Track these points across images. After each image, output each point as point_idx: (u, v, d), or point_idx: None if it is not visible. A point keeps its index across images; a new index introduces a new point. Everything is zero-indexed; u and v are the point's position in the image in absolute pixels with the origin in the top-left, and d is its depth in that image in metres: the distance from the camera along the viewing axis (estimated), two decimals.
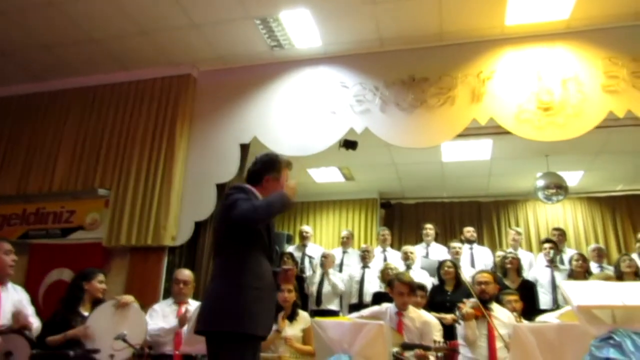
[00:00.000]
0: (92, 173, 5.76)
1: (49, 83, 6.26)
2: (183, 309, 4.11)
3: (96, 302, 3.87)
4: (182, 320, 3.92)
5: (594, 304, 2.31)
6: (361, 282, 6.10)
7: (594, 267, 5.84)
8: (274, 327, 3.93)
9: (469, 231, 6.71)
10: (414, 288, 4.10)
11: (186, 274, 4.25)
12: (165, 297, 4.84)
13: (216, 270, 2.59)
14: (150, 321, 3.97)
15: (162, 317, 4.07)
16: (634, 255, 6.04)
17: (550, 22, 4.88)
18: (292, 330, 4.06)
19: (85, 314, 3.76)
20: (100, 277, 3.96)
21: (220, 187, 5.52)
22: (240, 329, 2.38)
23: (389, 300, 4.24)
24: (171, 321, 4.02)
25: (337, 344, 2.91)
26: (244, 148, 5.64)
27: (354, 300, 6.10)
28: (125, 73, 6.03)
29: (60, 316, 3.71)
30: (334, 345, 2.91)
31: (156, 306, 4.22)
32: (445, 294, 5.23)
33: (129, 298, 3.82)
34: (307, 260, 6.62)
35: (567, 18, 4.80)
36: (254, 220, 2.51)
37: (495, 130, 5.29)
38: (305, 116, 5.49)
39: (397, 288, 4.03)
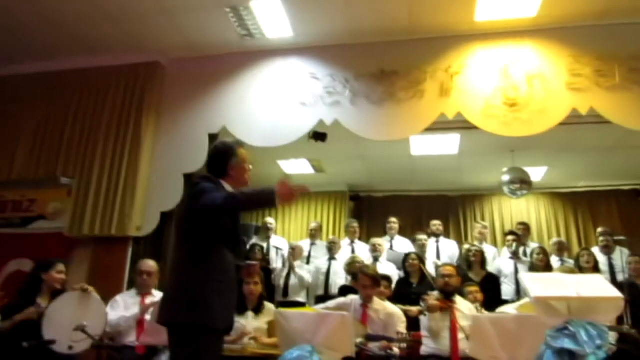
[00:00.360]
0: (54, 161, 5.60)
1: (9, 67, 6.04)
2: (147, 300, 4.05)
3: (55, 294, 3.78)
4: (144, 308, 3.86)
5: (551, 295, 2.37)
6: (327, 274, 6.11)
7: (554, 260, 5.98)
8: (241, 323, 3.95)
9: (435, 225, 6.79)
10: (378, 281, 4.13)
11: (150, 264, 4.18)
12: (130, 288, 4.75)
13: (178, 261, 2.54)
14: (112, 312, 3.90)
15: (123, 308, 4.00)
16: (595, 249, 6.24)
17: (519, 19, 4.95)
18: (258, 323, 4.04)
19: (44, 305, 3.67)
20: (59, 267, 3.87)
21: (188, 177, 5.44)
22: (200, 322, 2.35)
23: (356, 292, 4.26)
24: (133, 312, 3.96)
25: (301, 335, 2.91)
26: (213, 138, 5.55)
27: (320, 292, 6.11)
28: (91, 58, 5.86)
29: (17, 307, 3.61)
30: (297, 336, 2.91)
31: (118, 297, 4.14)
32: (411, 286, 5.29)
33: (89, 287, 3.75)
34: (273, 251, 6.59)
35: (535, 16, 4.87)
36: (220, 208, 2.43)
37: (462, 125, 5.38)
38: (275, 107, 5.45)
39: (361, 280, 4.08)
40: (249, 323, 4.02)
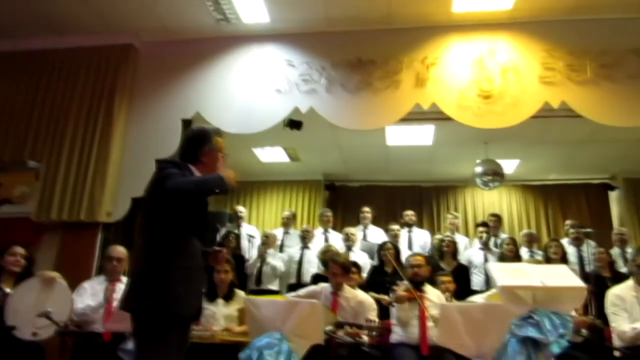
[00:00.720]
0: (22, 144, 5.44)
1: None
2: (116, 287, 3.98)
3: (21, 279, 3.70)
4: (109, 296, 3.81)
5: (517, 285, 2.41)
6: (300, 263, 6.11)
7: (524, 252, 6.08)
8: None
9: (408, 215, 6.83)
10: (348, 268, 4.12)
11: (120, 250, 4.11)
12: (100, 275, 4.68)
13: (142, 247, 2.48)
14: (78, 299, 3.83)
15: (90, 295, 3.92)
16: (564, 241, 6.37)
17: (494, 11, 4.99)
18: (228, 310, 4.02)
19: (8, 290, 3.58)
20: (13, 249, 3.79)
21: (161, 163, 5.35)
22: (164, 308, 2.31)
23: (328, 281, 4.26)
24: (100, 299, 3.89)
25: (270, 322, 2.91)
26: (186, 123, 5.49)
27: (293, 280, 6.11)
28: (61, 39, 5.70)
29: None
30: (267, 324, 2.91)
31: (85, 284, 4.06)
32: (385, 275, 5.31)
33: (54, 273, 3.66)
34: (244, 239, 6.54)
35: (510, 9, 4.92)
36: (188, 193, 2.41)
37: (437, 116, 5.40)
38: (250, 93, 5.41)
39: (331, 268, 4.09)
40: (219, 310, 4.01)
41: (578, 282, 2.48)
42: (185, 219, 2.47)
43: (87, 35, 5.65)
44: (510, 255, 5.54)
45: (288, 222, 6.96)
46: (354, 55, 5.28)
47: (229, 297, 4.09)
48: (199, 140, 2.69)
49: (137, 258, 2.52)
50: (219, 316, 3.99)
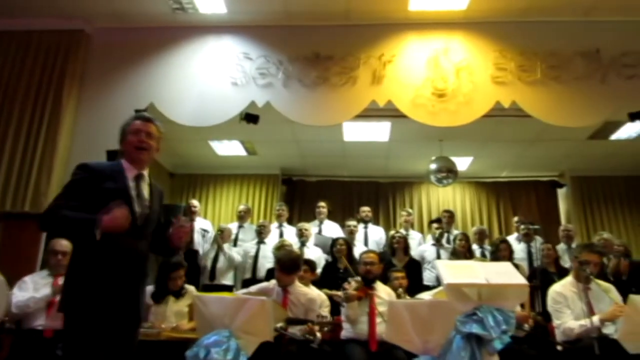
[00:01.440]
0: None
1: None
2: (60, 282, 3.84)
3: None
4: (56, 289, 3.67)
5: (462, 282, 2.45)
6: (255, 257, 6.08)
7: (475, 247, 6.23)
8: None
9: (364, 211, 6.88)
10: (294, 268, 4.07)
11: (64, 243, 3.94)
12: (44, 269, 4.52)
13: (73, 246, 2.44)
14: (19, 293, 3.68)
15: (32, 289, 3.76)
16: (512, 237, 6.56)
17: (449, 11, 5.07)
18: (178, 307, 3.97)
19: None
20: None
21: (112, 154, 5.21)
22: (80, 309, 2.25)
23: None
24: (44, 293, 3.75)
25: (219, 319, 2.87)
26: None
27: (248, 275, 6.08)
28: (8, 21, 5.46)
29: None
30: (215, 321, 2.87)
31: (27, 278, 3.89)
32: (337, 271, 5.34)
33: None
34: (198, 234, 6.45)
35: (465, 9, 5.01)
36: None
37: (393, 113, 5.44)
38: (206, 85, 5.34)
39: (277, 273, 4.04)
40: (169, 307, 3.95)
41: (521, 280, 2.55)
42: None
43: (37, 19, 5.45)
44: (463, 250, 5.65)
45: (243, 216, 6.90)
46: (312, 50, 5.28)
47: (179, 294, 4.04)
48: (119, 135, 2.61)
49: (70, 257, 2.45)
50: (169, 313, 3.93)
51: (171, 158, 8.51)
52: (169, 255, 2.58)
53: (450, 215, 7.00)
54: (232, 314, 2.85)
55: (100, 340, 2.25)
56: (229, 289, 5.83)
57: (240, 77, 5.29)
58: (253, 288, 4.18)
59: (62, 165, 5.13)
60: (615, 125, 6.46)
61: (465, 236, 5.91)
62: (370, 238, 6.62)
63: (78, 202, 2.32)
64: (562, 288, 3.85)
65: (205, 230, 6.30)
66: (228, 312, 2.86)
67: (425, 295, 3.93)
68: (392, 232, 6.13)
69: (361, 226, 6.66)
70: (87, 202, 2.32)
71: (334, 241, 5.52)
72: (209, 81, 5.33)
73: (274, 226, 6.73)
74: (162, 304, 3.96)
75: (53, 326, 3.45)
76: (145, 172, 2.61)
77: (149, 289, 4.07)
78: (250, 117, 5.55)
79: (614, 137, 6.88)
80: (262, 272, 5.94)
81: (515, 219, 7.21)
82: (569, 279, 3.90)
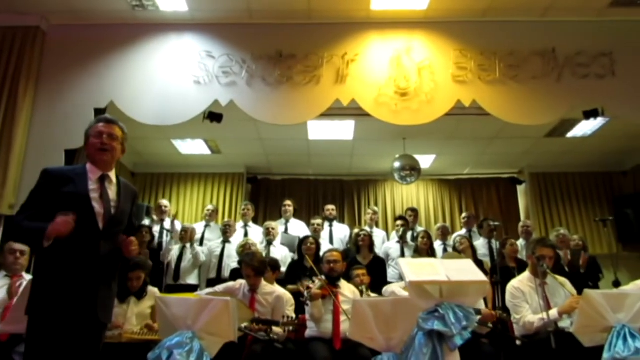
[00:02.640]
0: None
1: None
2: (17, 283, 3.74)
3: None
4: (12, 292, 3.57)
5: (424, 280, 2.48)
6: (221, 257, 6.04)
7: (438, 244, 6.34)
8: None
9: (329, 209, 6.91)
10: (261, 270, 4.07)
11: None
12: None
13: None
14: None
15: None
16: (463, 232, 6.72)
17: (411, 10, 5.13)
18: (140, 308, 3.92)
19: None
20: None
21: (70, 154, 5.10)
22: (34, 313, 2.30)
23: None
24: (0, 295, 3.64)
25: (181, 321, 2.84)
26: (99, 113, 5.21)
27: (213, 275, 6.03)
28: None
29: None
30: (178, 322, 2.84)
31: None
32: (304, 270, 5.33)
33: None
34: (165, 234, 6.36)
35: (426, 8, 5.07)
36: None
37: (357, 112, 5.47)
38: (168, 84, 5.25)
39: (244, 270, 4.03)
40: (131, 309, 3.89)
41: (481, 276, 2.60)
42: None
43: None
44: (425, 248, 5.73)
45: (211, 216, 6.86)
46: (275, 49, 5.26)
47: (140, 295, 3.98)
48: (84, 140, 2.65)
49: None
50: (130, 314, 3.88)
51: (132, 157, 8.35)
52: (122, 260, 2.58)
53: (414, 213, 7.10)
54: (195, 315, 2.82)
55: (60, 342, 2.25)
56: (193, 288, 5.77)
57: (203, 76, 5.22)
58: (219, 287, 4.16)
59: (17, 165, 4.97)
60: (571, 123, 6.67)
61: (427, 234, 5.98)
62: (335, 236, 6.66)
63: (37, 209, 2.40)
64: (520, 283, 3.95)
65: (169, 231, 6.21)
66: (191, 313, 2.83)
67: (395, 287, 3.98)
68: (356, 230, 6.17)
69: (326, 224, 6.69)
70: (47, 209, 2.37)
71: (304, 240, 5.51)
72: (171, 79, 5.24)
73: (239, 225, 6.70)
74: (124, 304, 3.90)
75: (9, 330, 3.34)
76: (112, 173, 2.63)
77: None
78: (213, 115, 5.50)
79: (570, 134, 7.11)
80: (227, 272, 5.91)
81: (464, 215, 7.39)
82: (526, 275, 4.01)
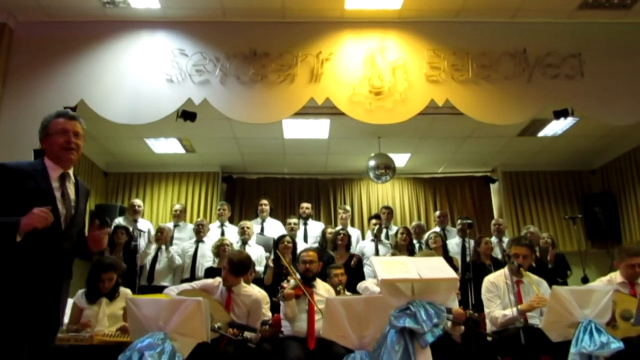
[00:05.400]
0: None
1: None
2: None
3: None
4: None
5: (396, 278, 2.50)
6: (194, 257, 5.99)
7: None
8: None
9: (304, 208, 6.92)
10: (245, 270, 4.03)
11: None
12: None
13: None
14: None
15: None
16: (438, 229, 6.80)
17: (385, 10, 5.15)
18: (112, 310, 3.86)
19: None
20: None
21: (39, 153, 4.96)
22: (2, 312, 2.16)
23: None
24: None
25: (153, 322, 2.80)
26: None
27: (187, 275, 5.98)
28: None
29: None
30: (149, 324, 2.80)
31: None
32: (281, 269, 5.32)
33: None
34: (139, 235, 6.27)
35: (400, 8, 5.10)
36: None
37: (332, 111, 5.49)
38: (140, 82, 5.18)
39: (225, 273, 3.98)
40: (103, 310, 3.84)
41: (452, 274, 2.64)
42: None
43: None
44: (405, 244, 5.81)
45: (179, 216, 6.80)
46: (249, 48, 5.24)
47: (112, 296, 3.92)
48: (40, 132, 2.51)
49: None
50: (102, 316, 3.83)
51: (105, 157, 8.21)
52: (86, 258, 2.49)
53: (389, 212, 7.14)
54: (167, 316, 2.79)
55: (19, 341, 2.17)
56: None
57: (176, 74, 5.17)
58: (197, 284, 4.10)
59: None
60: (543, 123, 6.79)
61: (407, 230, 6.05)
62: (310, 234, 6.66)
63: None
64: (496, 278, 4.04)
65: (141, 231, 6.13)
66: (163, 314, 2.80)
67: (368, 282, 4.00)
68: (330, 229, 6.17)
69: (301, 223, 6.69)
70: (8, 204, 2.24)
71: (280, 239, 5.48)
72: (143, 78, 5.17)
73: (215, 225, 6.66)
74: (95, 306, 3.84)
75: None
76: (71, 171, 2.54)
77: (80, 292, 3.95)
78: (187, 114, 5.44)
79: (542, 134, 7.24)
80: (201, 272, 5.87)
81: (437, 213, 7.48)
82: (504, 271, 4.09)
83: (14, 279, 2.21)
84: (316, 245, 6.42)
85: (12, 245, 2.17)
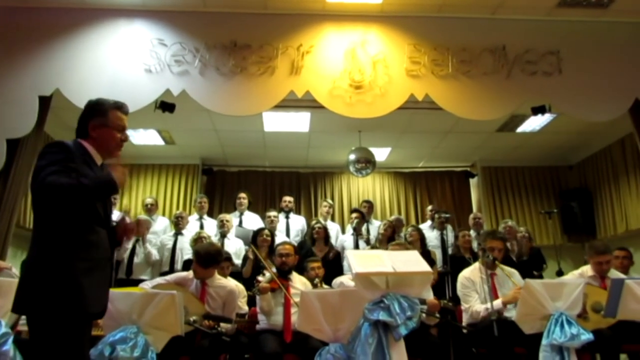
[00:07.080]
0: None
1: None
2: None
3: None
4: None
5: (370, 271, 2.51)
6: (173, 250, 5.95)
7: None
8: None
9: (286, 201, 6.90)
10: (213, 262, 3.99)
11: None
12: None
13: (34, 238, 2.17)
14: None
15: None
16: (426, 225, 6.85)
17: (366, 3, 5.15)
18: None
19: None
20: None
21: (13, 143, 4.89)
22: (68, 307, 2.05)
23: None
24: None
25: (126, 316, 2.79)
26: (44, 101, 5.04)
27: (166, 268, 5.94)
28: None
29: None
30: (122, 317, 2.78)
31: None
32: (259, 261, 5.30)
33: None
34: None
35: (381, 2, 5.10)
36: (63, 196, 2.12)
37: (312, 104, 5.47)
38: (118, 72, 5.09)
39: (194, 265, 3.95)
40: None
41: (426, 267, 2.66)
42: (78, 207, 2.20)
43: None
44: (384, 238, 5.81)
45: (151, 209, 6.74)
46: (229, 38, 5.18)
47: None
48: (90, 112, 2.42)
49: (30, 251, 2.18)
50: None
51: None
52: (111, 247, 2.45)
53: (369, 206, 7.17)
54: (141, 309, 2.77)
55: (82, 339, 2.15)
56: None
57: (154, 64, 5.09)
58: (171, 277, 4.07)
59: None
60: (521, 119, 6.87)
61: (390, 223, 6.08)
62: (292, 227, 6.65)
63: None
64: (471, 273, 4.08)
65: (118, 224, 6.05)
66: (136, 307, 2.78)
67: (344, 278, 4.01)
68: (313, 222, 6.18)
69: (282, 216, 6.67)
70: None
71: (258, 232, 5.46)
72: (121, 67, 5.09)
73: (194, 218, 6.61)
74: None
75: None
76: None
77: None
78: (165, 105, 5.39)
79: (520, 129, 7.32)
80: (179, 264, 5.83)
81: (429, 207, 7.51)
82: (477, 265, 4.13)
83: (79, 270, 2.14)
84: (298, 238, 6.44)
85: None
